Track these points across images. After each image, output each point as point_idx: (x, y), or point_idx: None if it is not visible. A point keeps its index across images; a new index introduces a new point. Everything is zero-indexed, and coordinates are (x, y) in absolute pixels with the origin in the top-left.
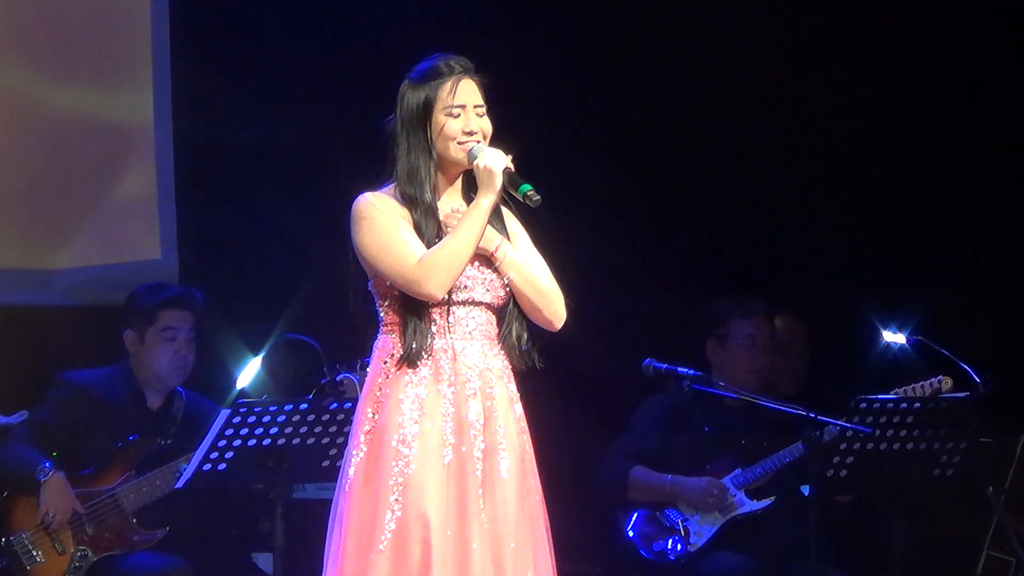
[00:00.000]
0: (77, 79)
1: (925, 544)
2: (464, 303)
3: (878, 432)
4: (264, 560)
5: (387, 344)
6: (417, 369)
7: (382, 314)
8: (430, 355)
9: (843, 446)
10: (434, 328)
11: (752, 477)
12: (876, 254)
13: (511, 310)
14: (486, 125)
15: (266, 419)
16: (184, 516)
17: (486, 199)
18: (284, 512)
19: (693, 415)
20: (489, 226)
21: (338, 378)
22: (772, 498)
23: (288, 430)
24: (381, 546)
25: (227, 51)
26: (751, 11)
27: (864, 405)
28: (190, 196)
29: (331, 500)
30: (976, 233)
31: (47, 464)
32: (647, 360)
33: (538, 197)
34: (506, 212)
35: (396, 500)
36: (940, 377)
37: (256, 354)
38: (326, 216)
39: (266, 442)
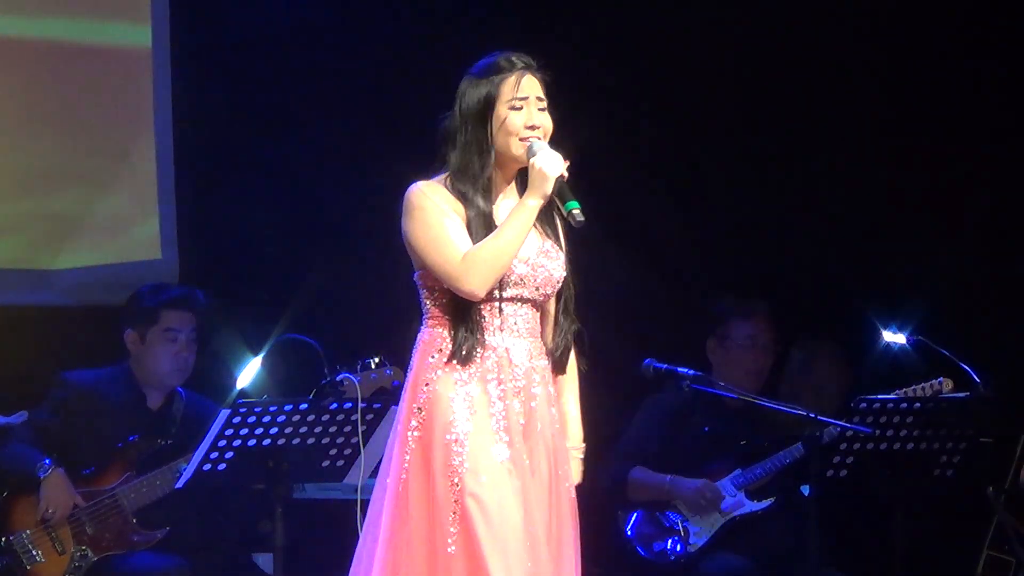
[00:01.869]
0: (77, 79)
1: (925, 544)
2: (513, 300)
3: (878, 432)
4: (264, 560)
5: (434, 338)
6: (467, 366)
7: (428, 306)
8: (480, 352)
9: (843, 446)
10: (485, 324)
11: (752, 478)
12: (876, 254)
13: (563, 309)
14: (547, 122)
15: (266, 419)
16: (184, 516)
17: (533, 200)
18: (284, 512)
19: (693, 415)
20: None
21: (338, 378)
22: (772, 499)
23: (288, 430)
24: (450, 549)
25: (227, 50)
26: (748, 9)
27: (864, 405)
28: (190, 196)
29: (331, 500)
30: (976, 233)
31: (47, 461)
32: (647, 360)
33: (582, 218)
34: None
35: (456, 501)
36: (940, 379)
37: (256, 354)
38: (326, 216)
39: (266, 442)
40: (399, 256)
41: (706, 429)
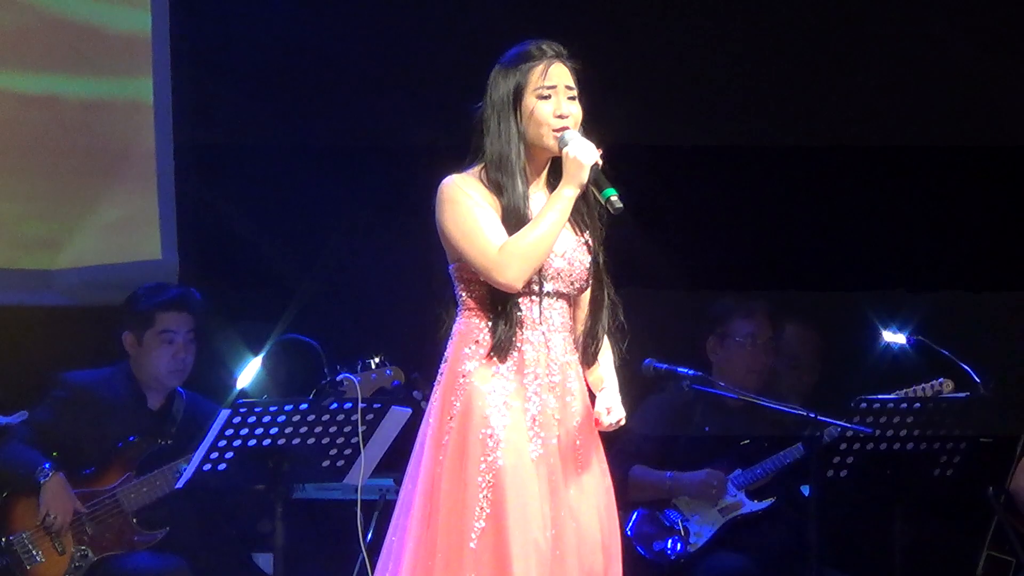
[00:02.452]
0: (77, 80)
1: (925, 544)
2: (550, 294)
3: (878, 432)
4: (264, 560)
5: (471, 329)
6: (504, 360)
7: (464, 298)
8: (518, 346)
9: (843, 446)
10: (523, 318)
11: (752, 478)
12: (876, 254)
13: (597, 302)
14: (576, 110)
15: (266, 419)
16: (184, 516)
17: (569, 190)
18: (284, 512)
19: (693, 415)
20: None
21: (338, 378)
22: (772, 499)
23: (288, 430)
24: (472, 544)
25: (227, 49)
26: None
27: (864, 405)
28: (190, 196)
29: (331, 500)
30: (976, 233)
31: (47, 465)
32: (647, 360)
33: (620, 205)
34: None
35: (485, 496)
36: (941, 379)
37: (256, 354)
38: (327, 216)
39: (266, 442)
40: (399, 256)
41: (706, 429)
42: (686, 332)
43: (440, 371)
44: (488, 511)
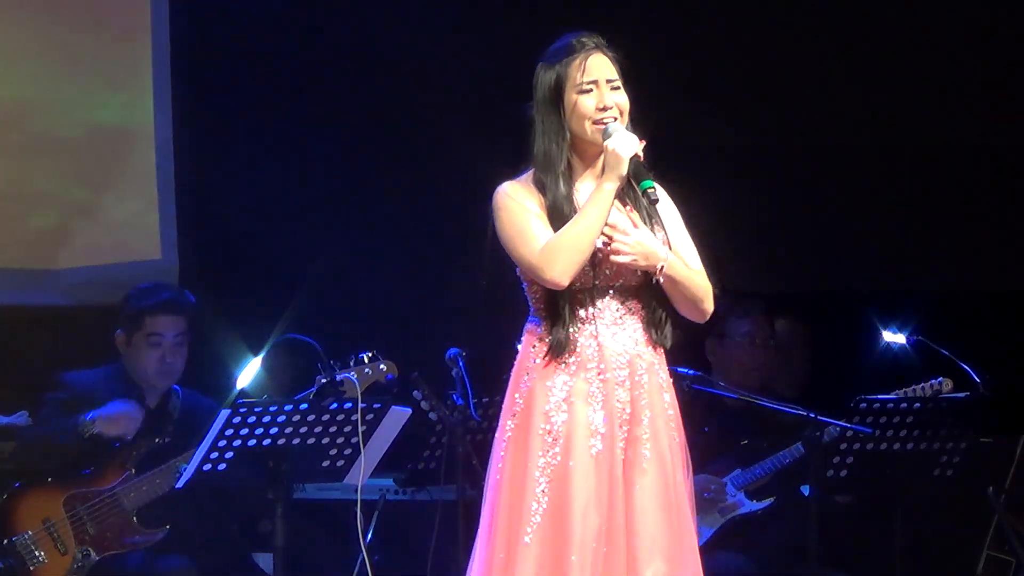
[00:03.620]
0: (77, 80)
1: (925, 544)
2: (610, 289)
3: (878, 432)
4: (264, 560)
5: (533, 329)
6: (564, 357)
7: (530, 300)
8: (576, 343)
9: (843, 446)
10: (581, 315)
11: (752, 477)
12: (876, 254)
13: (653, 289)
14: (622, 100)
15: (266, 419)
16: (185, 516)
17: (610, 183)
18: (284, 512)
19: (693, 415)
20: (657, 237)
21: (338, 378)
22: (772, 498)
23: (288, 430)
24: (527, 538)
25: (227, 50)
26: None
27: (864, 405)
28: (190, 196)
29: (331, 500)
30: (976, 233)
31: (86, 417)
32: None
33: (657, 198)
34: (662, 193)
35: (543, 492)
36: (940, 379)
37: (256, 354)
38: (326, 216)
39: (266, 442)
40: (399, 256)
41: (706, 429)
42: (685, 332)
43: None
44: (545, 507)
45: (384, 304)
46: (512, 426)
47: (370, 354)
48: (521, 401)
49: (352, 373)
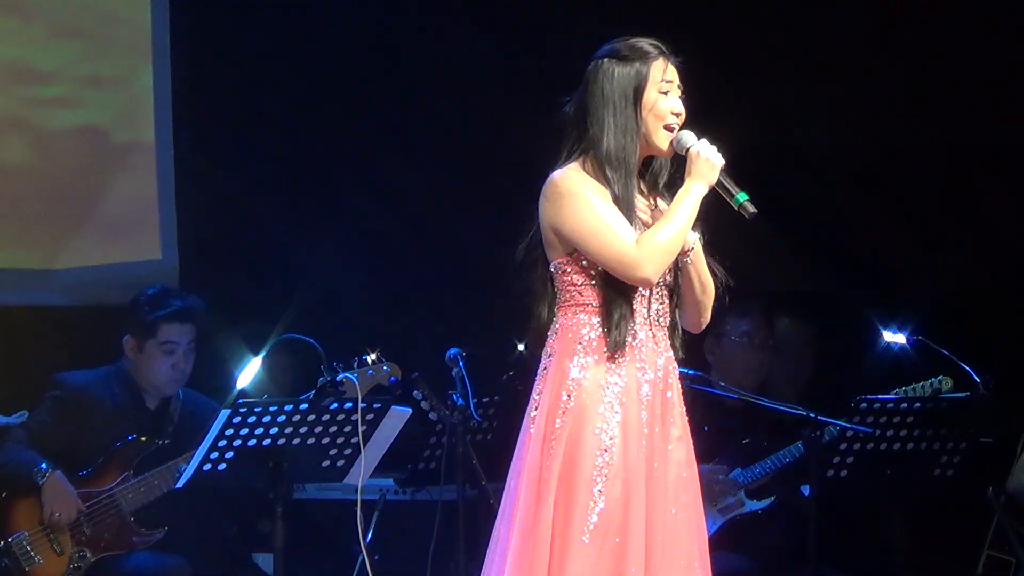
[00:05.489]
0: (77, 80)
1: (925, 544)
2: (658, 290)
3: (878, 432)
4: (264, 560)
5: (581, 325)
6: (617, 356)
7: (573, 294)
8: (631, 342)
9: (843, 446)
10: (643, 314)
11: (752, 477)
12: (876, 254)
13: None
14: (683, 110)
15: (266, 419)
16: (184, 516)
17: (700, 186)
18: (284, 512)
19: (693, 415)
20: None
21: (338, 378)
22: (772, 498)
23: (288, 430)
24: (584, 538)
25: (227, 51)
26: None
27: (864, 405)
28: (190, 196)
29: (331, 500)
30: (976, 233)
31: (43, 465)
32: None
33: (754, 209)
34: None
35: (600, 492)
36: (940, 377)
37: (256, 354)
38: (326, 216)
39: (266, 442)
40: (399, 256)
41: (706, 429)
42: (684, 332)
43: (543, 366)
44: (602, 507)
45: (384, 304)
46: (562, 424)
47: (374, 355)
48: (572, 401)
49: (354, 374)
